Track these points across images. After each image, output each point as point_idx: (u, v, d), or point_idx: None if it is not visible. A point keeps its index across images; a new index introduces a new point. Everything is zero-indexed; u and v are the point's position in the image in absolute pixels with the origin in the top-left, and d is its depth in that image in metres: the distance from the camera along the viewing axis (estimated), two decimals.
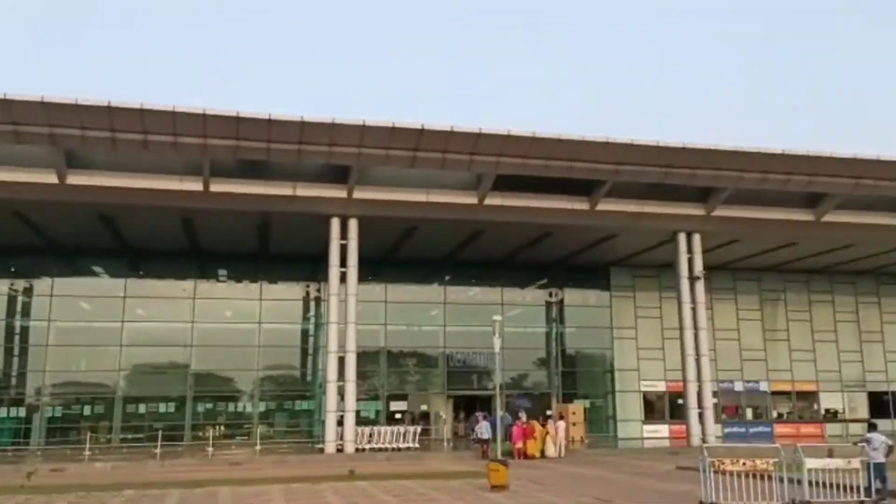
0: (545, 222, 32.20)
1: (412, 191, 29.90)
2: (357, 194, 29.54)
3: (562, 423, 31.48)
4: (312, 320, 38.91)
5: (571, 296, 41.41)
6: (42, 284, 35.77)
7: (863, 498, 15.95)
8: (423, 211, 30.47)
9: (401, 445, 30.61)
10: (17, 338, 36.20)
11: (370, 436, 30.61)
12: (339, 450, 29.52)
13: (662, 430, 39.54)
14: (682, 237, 33.71)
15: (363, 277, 32.29)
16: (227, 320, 37.43)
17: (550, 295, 41.02)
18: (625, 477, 22.43)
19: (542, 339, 41.29)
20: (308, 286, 38.58)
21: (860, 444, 17.32)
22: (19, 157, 25.97)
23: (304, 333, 39.07)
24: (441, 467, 24.98)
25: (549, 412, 36.58)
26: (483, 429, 28.61)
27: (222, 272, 38.19)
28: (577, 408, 37.55)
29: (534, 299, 41.25)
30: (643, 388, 40.70)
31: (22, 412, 34.92)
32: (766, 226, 33.54)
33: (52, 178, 26.45)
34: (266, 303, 37.33)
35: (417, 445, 30.95)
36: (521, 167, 28.93)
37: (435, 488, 18.62)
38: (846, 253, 38.66)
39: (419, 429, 32.19)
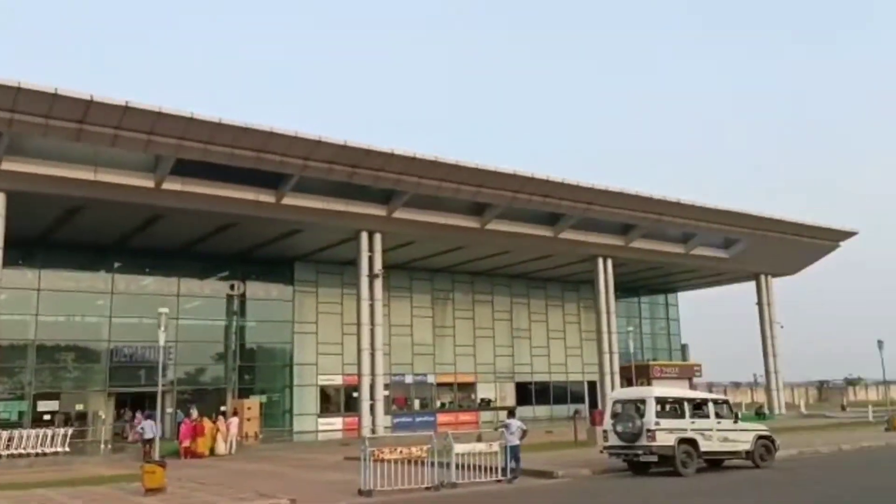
0: (229, 212, 31.11)
1: (77, 167, 26.93)
2: (7, 165, 25.81)
3: (234, 420, 30.73)
4: None
5: (254, 289, 40.61)
6: None
7: (500, 477, 17.95)
8: (90, 190, 27.55)
9: (47, 450, 27.33)
10: None
11: (9, 440, 26.87)
12: None
13: (337, 422, 40.59)
14: (364, 236, 34.88)
15: (11, 260, 28.32)
16: None
17: (232, 288, 39.72)
18: (292, 470, 22.56)
19: (222, 332, 39.88)
20: None
21: (500, 429, 19.46)
22: None
23: None
24: (92, 472, 22.77)
25: (222, 408, 35.52)
26: (147, 428, 26.70)
27: None
28: (253, 403, 36.91)
29: (214, 291, 39.68)
30: (321, 382, 41.42)
31: None
32: (439, 230, 36.16)
33: None
34: None
35: (68, 449, 27.84)
36: (204, 153, 27.62)
37: (77, 496, 16.87)
38: (504, 258, 43.34)
39: (71, 431, 29.01)
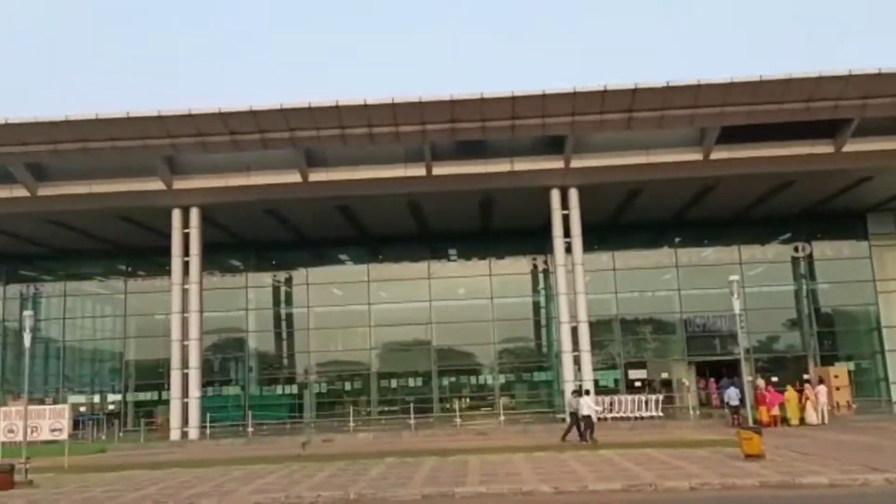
0: (782, 171, 29.51)
1: (631, 154, 28.89)
2: (575, 163, 29.16)
3: (822, 388, 28.90)
4: (543, 292, 39.26)
5: (821, 248, 37.61)
6: (298, 274, 39.75)
7: None
8: (644, 173, 29.36)
9: (643, 414, 29.99)
10: (283, 323, 40.66)
11: (610, 405, 30.31)
12: None
13: None
14: None
15: (589, 246, 31.90)
16: (460, 297, 39.02)
17: (796, 249, 37.57)
18: (893, 443, 20.11)
19: (791, 297, 37.98)
20: (535, 259, 38.97)
21: None
22: (267, 161, 28.94)
23: (536, 305, 39.55)
24: (687, 436, 24.09)
25: (805, 376, 33.79)
26: (732, 395, 27.10)
27: (452, 251, 39.81)
28: (840, 370, 34.13)
29: (777, 255, 38.07)
30: None
31: (294, 390, 39.22)
32: None
33: (295, 178, 29.12)
34: (496, 278, 38.32)
35: (661, 414, 30.11)
36: (748, 115, 26.74)
37: (682, 457, 18.02)
38: None
39: (661, 397, 31.26)
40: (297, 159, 28.40)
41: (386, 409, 37.92)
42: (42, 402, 33.51)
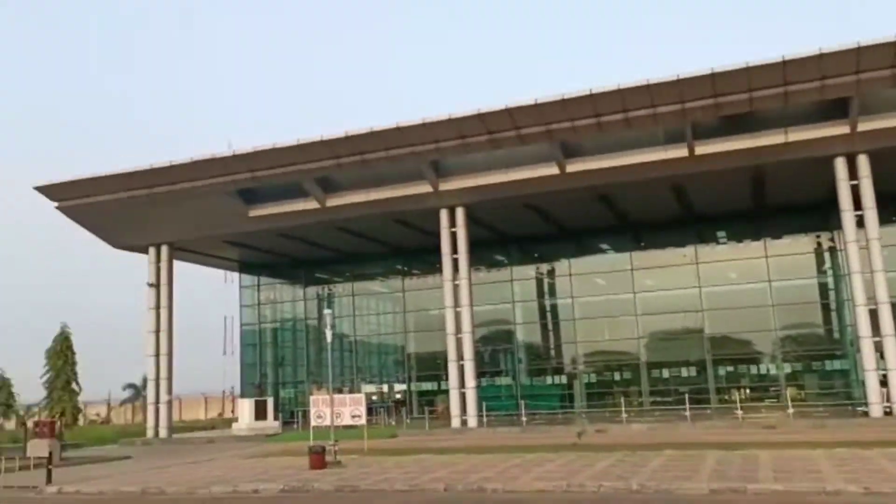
0: None
1: None
2: (862, 126, 25.95)
3: None
4: (830, 272, 35.56)
5: None
6: (560, 266, 40.08)
7: None
8: None
9: None
10: (548, 315, 41.28)
11: None
12: (887, 412, 26.35)
13: None
14: None
15: (886, 218, 28.23)
16: (733, 282, 36.67)
17: None
18: None
19: None
20: (818, 236, 35.45)
21: None
22: (524, 156, 29.54)
23: (822, 287, 35.95)
24: None
25: None
26: None
27: (721, 234, 37.52)
28: None
29: None
30: None
31: (563, 380, 39.66)
32: None
33: (552, 170, 29.37)
34: (773, 259, 35.38)
35: None
36: None
37: None
38: None
39: None
40: (553, 152, 28.64)
41: (658, 399, 36.89)
42: (340, 391, 37.51)
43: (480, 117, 27.29)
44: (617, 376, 38.77)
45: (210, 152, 30.94)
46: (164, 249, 36.74)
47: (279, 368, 45.54)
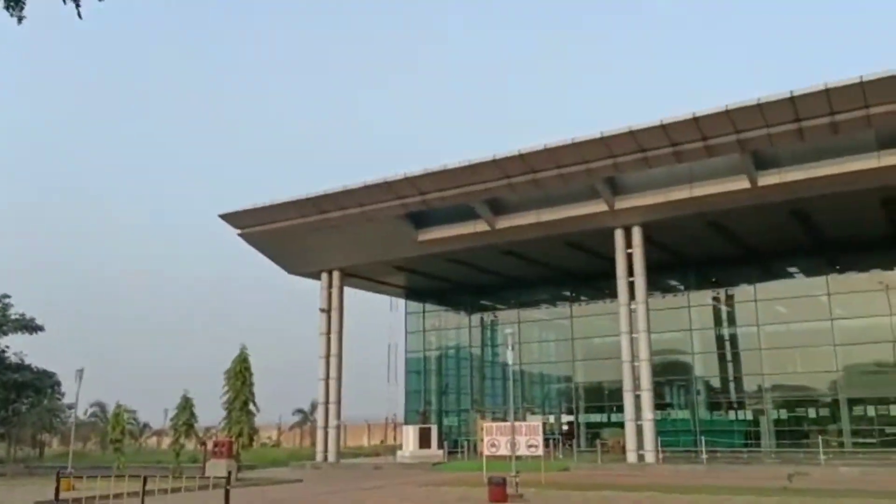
0: None
1: None
2: None
3: None
4: None
5: None
6: (744, 291, 36.85)
7: None
8: None
9: None
10: (728, 344, 38.05)
11: None
12: None
13: None
14: None
15: None
16: None
17: None
18: None
19: None
20: None
21: None
22: (709, 170, 27.27)
23: None
24: None
25: None
26: None
27: None
28: None
29: None
30: None
31: (747, 415, 36.26)
32: None
33: (742, 184, 26.91)
34: None
35: None
36: None
37: None
38: None
39: None
40: (743, 164, 26.24)
41: (860, 440, 32.80)
42: (503, 420, 36.31)
43: (664, 128, 25.45)
44: (812, 413, 34.93)
45: (382, 176, 31.10)
46: (336, 275, 37.33)
47: (443, 396, 45.03)
